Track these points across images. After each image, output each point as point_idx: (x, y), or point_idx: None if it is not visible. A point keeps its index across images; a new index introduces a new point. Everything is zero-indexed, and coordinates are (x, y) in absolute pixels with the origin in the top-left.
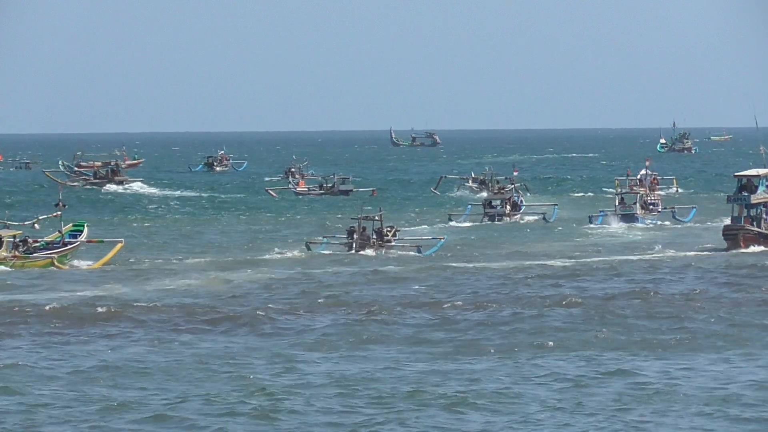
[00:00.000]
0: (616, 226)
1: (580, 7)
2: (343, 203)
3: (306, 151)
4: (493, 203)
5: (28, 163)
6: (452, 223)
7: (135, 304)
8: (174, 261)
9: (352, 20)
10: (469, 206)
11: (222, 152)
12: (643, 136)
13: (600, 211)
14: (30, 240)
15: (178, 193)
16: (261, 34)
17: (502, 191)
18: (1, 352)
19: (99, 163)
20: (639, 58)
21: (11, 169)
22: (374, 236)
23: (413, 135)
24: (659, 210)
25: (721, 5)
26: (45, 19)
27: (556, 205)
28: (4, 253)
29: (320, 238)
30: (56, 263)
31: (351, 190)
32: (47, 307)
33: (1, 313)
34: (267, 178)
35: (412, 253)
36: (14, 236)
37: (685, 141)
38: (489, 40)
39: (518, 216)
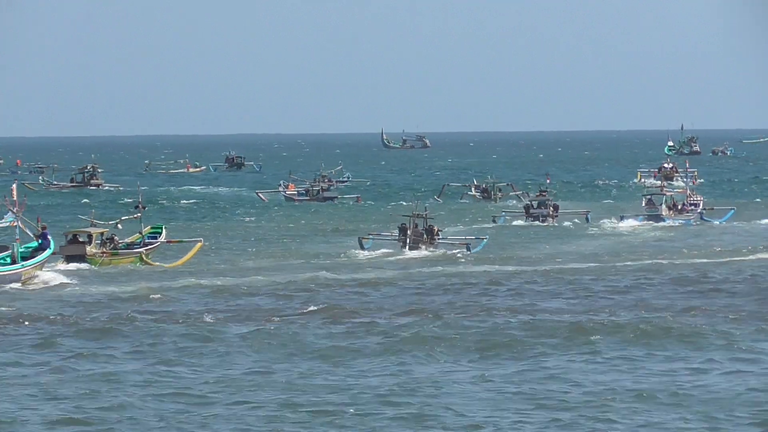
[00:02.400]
0: (637, 224)
1: (578, 7)
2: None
3: (295, 154)
4: (537, 206)
5: (43, 168)
6: (488, 226)
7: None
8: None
9: (340, 22)
10: (503, 213)
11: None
12: (649, 138)
13: (640, 213)
14: (116, 238)
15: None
16: (246, 36)
17: (543, 194)
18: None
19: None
20: (642, 60)
21: (26, 173)
22: (424, 234)
23: (404, 137)
24: (698, 211)
25: (727, 6)
26: (43, 21)
27: (589, 211)
28: (94, 250)
29: (368, 235)
30: (145, 259)
31: (336, 197)
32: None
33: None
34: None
35: (458, 251)
36: (102, 234)
37: (693, 144)
38: (484, 42)
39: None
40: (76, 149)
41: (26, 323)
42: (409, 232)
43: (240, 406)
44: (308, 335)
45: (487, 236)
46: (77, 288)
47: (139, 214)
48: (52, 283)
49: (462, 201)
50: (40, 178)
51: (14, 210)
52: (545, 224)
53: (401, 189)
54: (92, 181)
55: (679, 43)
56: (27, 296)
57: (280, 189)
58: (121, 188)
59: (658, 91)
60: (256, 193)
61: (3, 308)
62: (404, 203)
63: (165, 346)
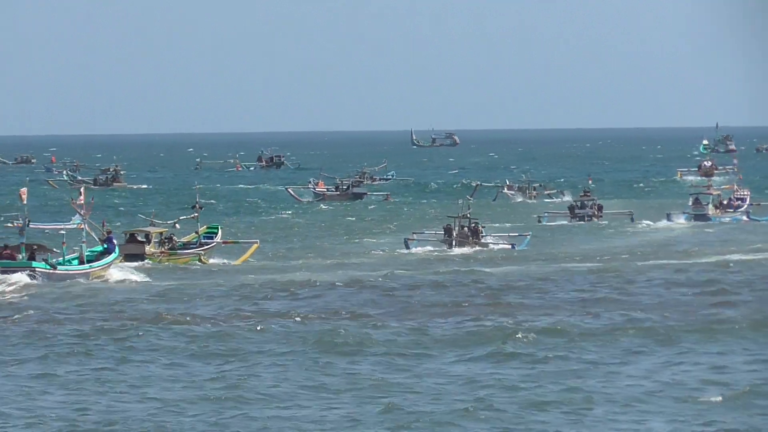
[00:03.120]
0: (685, 223)
1: (603, 7)
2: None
3: (319, 153)
4: (581, 206)
5: (76, 165)
6: (536, 224)
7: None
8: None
9: (369, 19)
10: (546, 213)
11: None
12: (685, 136)
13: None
14: (175, 238)
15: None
16: (275, 32)
17: (587, 194)
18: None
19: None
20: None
21: (63, 171)
22: (470, 235)
23: (433, 136)
24: (745, 207)
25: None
26: (43, 20)
27: (632, 212)
28: (152, 249)
29: (413, 235)
30: (203, 259)
31: (365, 193)
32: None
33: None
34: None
35: (501, 247)
36: (161, 233)
37: (728, 142)
38: (515, 39)
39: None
40: (91, 148)
41: (88, 321)
42: (454, 233)
43: (321, 408)
44: (376, 334)
45: (531, 232)
46: (137, 286)
47: (197, 214)
48: (112, 281)
49: (496, 201)
50: (65, 173)
51: (82, 212)
52: (590, 223)
53: (431, 187)
54: (115, 183)
55: (705, 42)
56: (89, 294)
57: (310, 186)
58: (144, 186)
59: (687, 88)
60: (286, 189)
61: (67, 305)
62: (434, 201)
63: (227, 345)
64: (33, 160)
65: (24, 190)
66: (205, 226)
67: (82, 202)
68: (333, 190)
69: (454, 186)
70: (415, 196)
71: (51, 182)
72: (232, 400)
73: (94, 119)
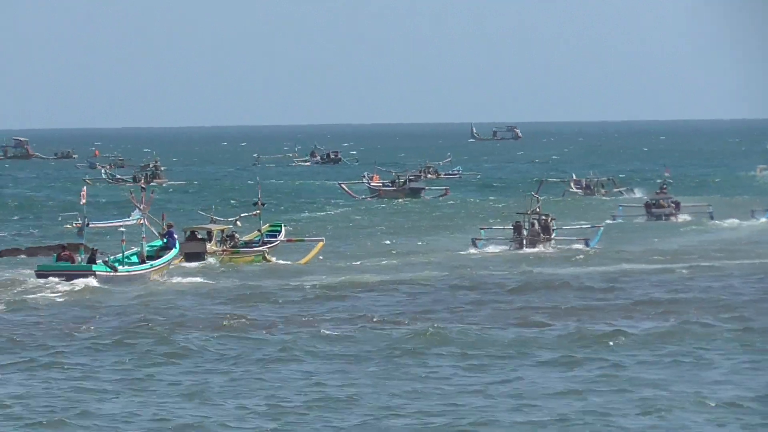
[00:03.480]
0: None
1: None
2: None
3: (372, 146)
4: (659, 203)
5: (121, 160)
6: (610, 222)
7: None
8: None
9: (424, 9)
10: (621, 207)
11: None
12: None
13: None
14: (237, 235)
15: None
16: (327, 23)
17: (664, 191)
18: None
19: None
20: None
21: (102, 169)
22: (540, 232)
23: (494, 129)
24: None
25: None
26: (46, 13)
27: (711, 208)
28: (214, 247)
29: (480, 233)
30: (267, 257)
31: (423, 189)
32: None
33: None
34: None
35: (574, 244)
36: (222, 231)
37: None
38: (578, 27)
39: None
40: (125, 141)
41: (151, 324)
42: (524, 231)
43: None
44: (461, 338)
45: (603, 225)
46: (201, 287)
47: (259, 211)
48: (175, 282)
49: (563, 198)
50: (103, 171)
51: (141, 207)
52: (666, 221)
53: (496, 183)
54: (156, 180)
55: None
56: (151, 298)
57: (364, 180)
58: (182, 182)
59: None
60: (339, 184)
61: (131, 311)
62: (500, 197)
63: (310, 349)
64: (74, 155)
65: (84, 190)
66: (267, 224)
67: (142, 195)
68: (389, 185)
69: (519, 183)
70: (479, 192)
71: (88, 180)
72: (331, 408)
73: (108, 112)
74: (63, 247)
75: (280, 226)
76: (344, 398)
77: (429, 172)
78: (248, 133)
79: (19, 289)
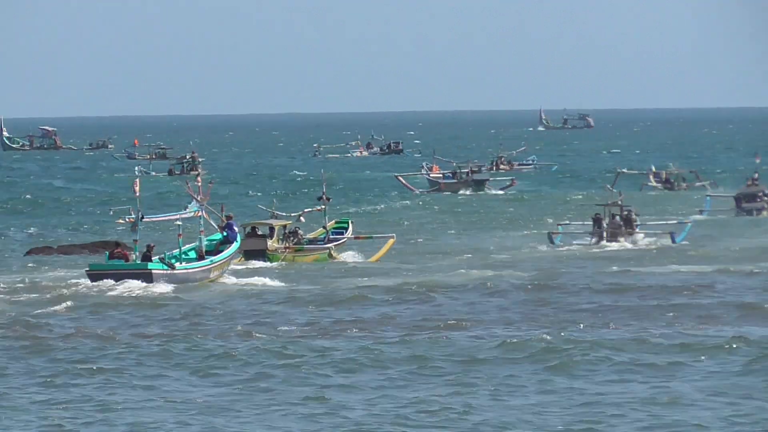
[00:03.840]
0: None
1: None
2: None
3: (432, 136)
4: (748, 197)
5: (163, 149)
6: (697, 217)
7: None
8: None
9: None
10: (708, 198)
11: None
12: None
13: None
14: (300, 232)
15: None
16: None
17: (755, 183)
18: None
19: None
20: None
21: (147, 156)
22: (622, 225)
23: (565, 116)
24: None
25: None
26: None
27: None
28: (276, 245)
29: (557, 227)
30: (334, 255)
31: (487, 180)
32: None
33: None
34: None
35: (659, 239)
36: (284, 226)
37: None
38: (650, 13)
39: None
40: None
41: (213, 328)
42: (605, 223)
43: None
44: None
45: (691, 220)
46: (261, 287)
47: (324, 206)
48: (235, 283)
49: (642, 191)
50: (136, 169)
51: (199, 198)
52: (758, 216)
53: (566, 174)
54: (193, 173)
55: None
56: (212, 300)
57: (423, 172)
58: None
59: None
60: (396, 176)
61: (191, 314)
62: (566, 191)
63: (401, 356)
64: (110, 145)
65: (137, 181)
66: (333, 221)
67: (199, 186)
68: (450, 176)
69: (594, 174)
70: (553, 185)
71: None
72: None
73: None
74: (116, 244)
75: (348, 223)
76: (460, 409)
77: (502, 163)
78: (295, 121)
79: (69, 292)
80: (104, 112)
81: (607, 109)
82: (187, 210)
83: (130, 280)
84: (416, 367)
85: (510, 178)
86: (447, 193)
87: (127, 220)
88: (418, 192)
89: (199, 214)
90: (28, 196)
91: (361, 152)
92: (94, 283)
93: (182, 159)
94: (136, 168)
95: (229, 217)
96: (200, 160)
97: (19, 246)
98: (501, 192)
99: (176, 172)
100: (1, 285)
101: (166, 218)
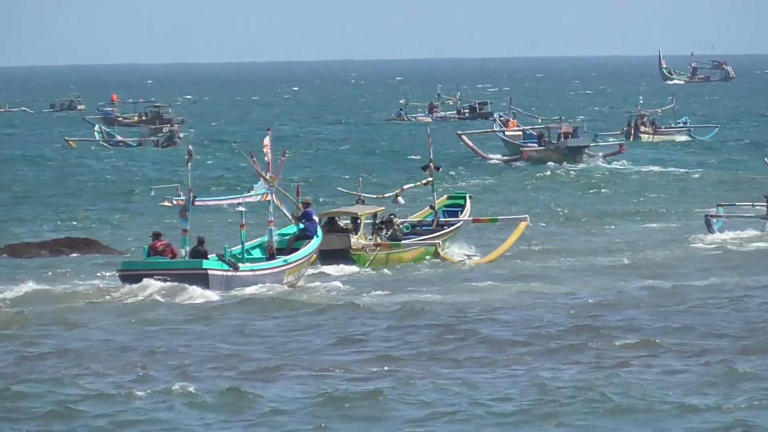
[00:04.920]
0: None
1: None
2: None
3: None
4: None
5: (159, 106)
6: None
7: None
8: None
9: None
10: None
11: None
12: None
13: None
14: (396, 220)
15: None
16: None
17: None
18: None
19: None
20: None
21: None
22: None
23: (693, 64)
24: None
25: None
26: None
27: None
28: (362, 241)
29: (717, 210)
30: (442, 254)
31: (586, 147)
32: None
33: None
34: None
35: None
36: (374, 215)
37: None
38: None
39: None
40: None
41: (294, 354)
42: None
43: None
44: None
45: None
46: (349, 301)
47: (431, 179)
48: (311, 290)
49: None
50: (96, 128)
51: (267, 177)
52: None
53: (705, 142)
54: (172, 144)
55: None
56: (286, 306)
57: (495, 127)
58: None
59: None
60: (459, 134)
61: (252, 322)
62: (711, 164)
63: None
64: (80, 106)
65: (191, 148)
66: (445, 196)
67: (269, 160)
68: (534, 139)
69: (747, 142)
70: (697, 155)
71: (70, 141)
72: None
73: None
74: (158, 235)
75: (464, 199)
76: None
77: (643, 124)
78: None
79: (101, 299)
80: (59, 60)
81: (742, 55)
82: (253, 192)
83: (178, 283)
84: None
85: (619, 142)
86: (530, 164)
87: (174, 202)
88: (490, 160)
89: (268, 198)
90: None
91: (421, 117)
92: (127, 286)
93: (156, 126)
94: (96, 127)
95: (306, 204)
96: (183, 134)
97: None
98: (605, 163)
99: (153, 141)
100: None
101: (224, 202)
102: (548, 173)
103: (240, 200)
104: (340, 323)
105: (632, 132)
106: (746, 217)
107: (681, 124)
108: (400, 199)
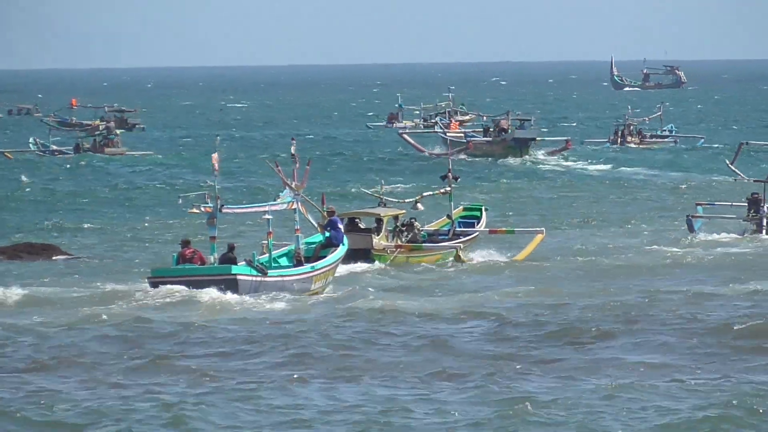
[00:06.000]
0: None
1: None
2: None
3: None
4: None
5: (125, 111)
6: None
7: None
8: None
9: None
10: None
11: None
12: None
13: None
14: (417, 224)
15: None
16: None
17: None
18: None
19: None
20: None
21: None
22: None
23: (645, 70)
24: None
25: None
26: None
27: None
28: (383, 242)
29: (697, 210)
30: (462, 257)
31: (532, 140)
32: None
33: None
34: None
35: None
36: (396, 218)
37: None
38: None
39: None
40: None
41: (321, 360)
42: (764, 205)
43: None
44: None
45: None
46: (373, 303)
47: (449, 188)
48: (333, 293)
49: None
50: (31, 140)
51: (293, 186)
52: None
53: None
54: (107, 149)
55: None
56: (314, 310)
57: (437, 128)
58: (149, 153)
59: None
60: (399, 134)
61: (283, 328)
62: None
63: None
64: (36, 113)
65: (216, 155)
66: (461, 207)
67: (296, 167)
68: (472, 135)
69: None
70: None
71: (6, 153)
72: None
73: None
74: (186, 243)
75: (481, 211)
76: None
77: (630, 134)
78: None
79: (128, 305)
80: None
81: (692, 60)
82: (279, 200)
83: (207, 289)
84: None
85: (564, 138)
86: (478, 158)
87: (203, 209)
88: (429, 154)
89: (294, 206)
90: None
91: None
92: (157, 291)
93: (92, 127)
94: (31, 139)
95: (331, 212)
96: (117, 132)
97: None
98: (550, 156)
99: (85, 146)
100: None
101: (252, 210)
102: (502, 167)
103: (267, 208)
104: (369, 318)
105: (618, 141)
106: (726, 218)
107: (667, 132)
108: (419, 205)
